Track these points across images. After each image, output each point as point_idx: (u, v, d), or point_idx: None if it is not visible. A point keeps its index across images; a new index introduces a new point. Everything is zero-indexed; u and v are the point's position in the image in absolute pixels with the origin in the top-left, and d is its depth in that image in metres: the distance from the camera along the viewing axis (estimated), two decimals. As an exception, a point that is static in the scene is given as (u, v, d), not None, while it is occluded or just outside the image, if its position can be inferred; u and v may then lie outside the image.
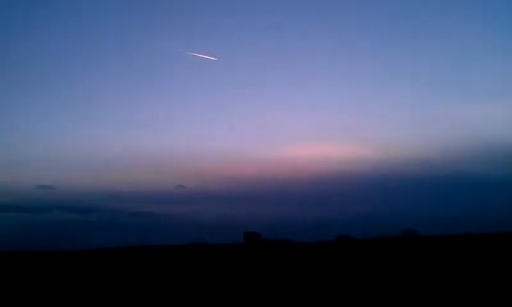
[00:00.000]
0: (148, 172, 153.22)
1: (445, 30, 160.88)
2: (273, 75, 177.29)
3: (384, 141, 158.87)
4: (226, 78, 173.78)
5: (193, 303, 22.61)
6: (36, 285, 32.80)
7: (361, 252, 60.84)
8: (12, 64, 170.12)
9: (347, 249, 68.34)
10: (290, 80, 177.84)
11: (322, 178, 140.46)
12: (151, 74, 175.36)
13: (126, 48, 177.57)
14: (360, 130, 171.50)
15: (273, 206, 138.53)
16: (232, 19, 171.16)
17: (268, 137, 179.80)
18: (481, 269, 31.82)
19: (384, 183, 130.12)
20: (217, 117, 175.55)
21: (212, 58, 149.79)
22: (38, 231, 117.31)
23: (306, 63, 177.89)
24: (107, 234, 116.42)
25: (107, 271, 45.43)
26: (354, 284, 27.35)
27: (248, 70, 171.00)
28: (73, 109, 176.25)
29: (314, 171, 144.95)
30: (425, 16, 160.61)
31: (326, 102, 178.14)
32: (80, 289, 29.95)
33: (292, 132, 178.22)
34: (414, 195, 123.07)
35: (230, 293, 25.25)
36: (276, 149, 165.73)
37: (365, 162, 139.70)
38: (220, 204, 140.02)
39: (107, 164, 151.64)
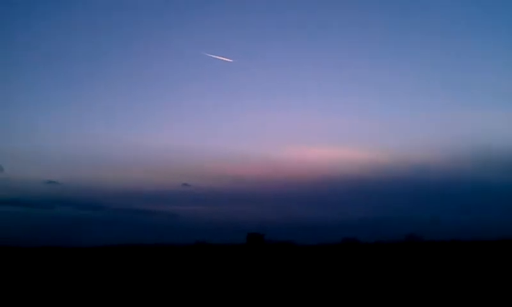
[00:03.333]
0: (155, 170, 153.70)
1: (455, 35, 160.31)
2: (284, 77, 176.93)
3: (391, 147, 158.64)
4: (235, 79, 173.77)
5: (194, 303, 22.73)
6: (38, 281, 33.02)
7: (364, 255, 60.95)
8: (13, 61, 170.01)
9: (350, 251, 68.40)
10: (301, 82, 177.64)
11: (328, 181, 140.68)
12: (159, 73, 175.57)
13: (137, 46, 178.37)
14: (367, 135, 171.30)
15: (278, 208, 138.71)
16: (245, 19, 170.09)
17: (275, 137, 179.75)
18: (483, 274, 31.81)
19: (390, 188, 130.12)
20: (224, 117, 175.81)
21: (227, 59, 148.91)
22: (43, 227, 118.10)
23: (319, 66, 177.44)
24: (113, 231, 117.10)
25: (111, 268, 45.54)
26: (356, 287, 27.47)
27: (258, 71, 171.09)
28: (82, 107, 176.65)
29: (320, 173, 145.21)
30: (433, 21, 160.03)
31: (336, 106, 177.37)
32: (83, 286, 30.05)
33: (301, 134, 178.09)
34: (419, 200, 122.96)
35: (231, 294, 25.42)
36: (283, 151, 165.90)
37: (371, 167, 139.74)
38: (224, 203, 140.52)
39: (115, 162, 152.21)
